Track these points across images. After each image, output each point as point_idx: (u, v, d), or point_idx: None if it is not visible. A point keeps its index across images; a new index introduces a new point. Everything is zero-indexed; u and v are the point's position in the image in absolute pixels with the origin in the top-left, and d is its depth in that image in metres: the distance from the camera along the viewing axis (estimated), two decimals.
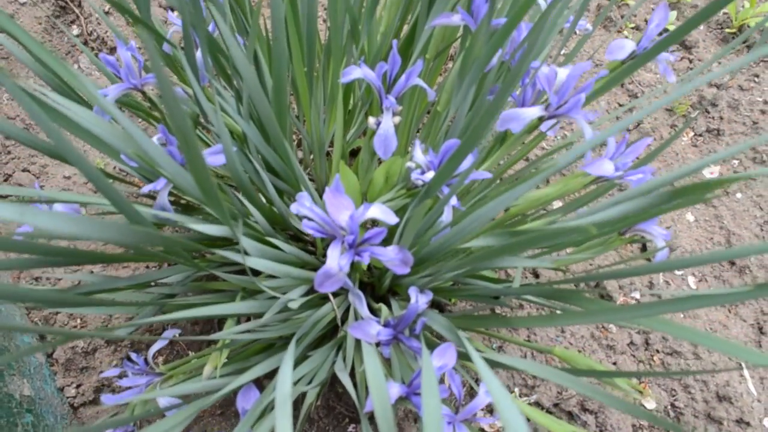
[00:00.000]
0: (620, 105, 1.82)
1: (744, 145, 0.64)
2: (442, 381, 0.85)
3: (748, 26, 1.93)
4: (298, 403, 1.26)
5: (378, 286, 1.19)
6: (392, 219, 0.74)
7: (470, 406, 0.79)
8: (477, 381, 1.32)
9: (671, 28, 1.93)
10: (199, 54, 0.91)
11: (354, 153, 1.65)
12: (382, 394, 0.71)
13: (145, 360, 1.04)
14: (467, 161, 0.80)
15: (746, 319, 1.49)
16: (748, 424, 1.34)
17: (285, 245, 1.00)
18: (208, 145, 1.27)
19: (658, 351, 1.43)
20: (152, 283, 1.14)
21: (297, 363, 1.01)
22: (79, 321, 1.44)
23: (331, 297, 1.02)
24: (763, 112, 1.77)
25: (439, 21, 0.88)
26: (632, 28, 2.01)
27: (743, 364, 1.42)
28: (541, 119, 0.84)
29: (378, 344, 0.86)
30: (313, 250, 1.25)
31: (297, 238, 1.26)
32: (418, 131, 1.63)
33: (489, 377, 0.59)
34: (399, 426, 1.32)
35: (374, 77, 0.88)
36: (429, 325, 0.92)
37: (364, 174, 1.08)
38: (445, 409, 0.79)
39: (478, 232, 0.79)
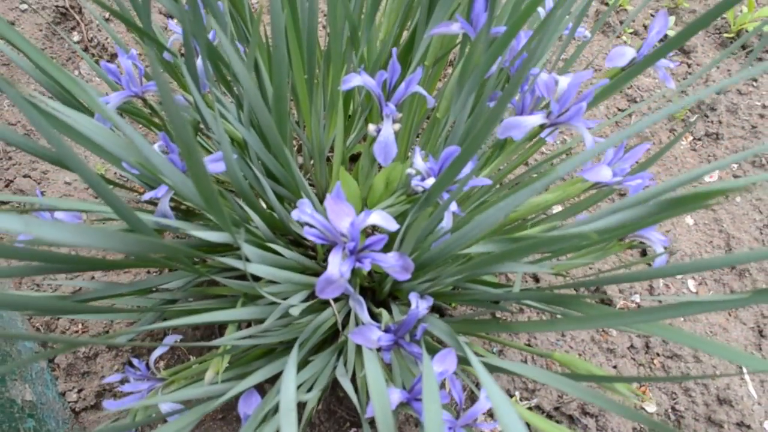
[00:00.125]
0: (620, 110, 1.83)
1: (747, 153, 0.64)
2: (443, 386, 0.85)
3: (746, 31, 1.94)
4: (299, 407, 1.27)
5: (379, 291, 1.19)
6: (393, 226, 0.75)
7: (471, 411, 0.79)
8: (478, 386, 1.32)
9: (670, 33, 1.93)
10: (199, 62, 0.91)
11: (354, 158, 1.65)
12: (383, 399, 0.72)
13: (147, 365, 1.05)
14: (467, 168, 0.80)
15: (746, 322, 1.49)
16: (748, 427, 1.34)
17: (286, 251, 1.01)
18: (209, 151, 1.27)
19: (658, 354, 1.44)
20: (153, 289, 1.14)
21: (298, 368, 1.02)
22: (80, 326, 1.45)
23: (332, 302, 1.03)
24: (761, 116, 1.77)
25: (438, 30, 0.88)
26: (631, 33, 2.01)
27: (744, 368, 1.43)
28: (542, 127, 0.85)
29: (379, 349, 0.86)
30: (313, 255, 1.26)
31: (297, 243, 1.27)
32: (418, 136, 1.63)
33: (488, 382, 0.60)
34: (400, 430, 1.32)
35: (374, 85, 0.89)
36: (429, 330, 0.92)
37: (365, 180, 1.09)
38: (446, 415, 0.79)
39: (479, 237, 0.80)
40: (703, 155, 1.74)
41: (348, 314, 1.15)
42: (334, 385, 1.33)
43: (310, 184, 1.55)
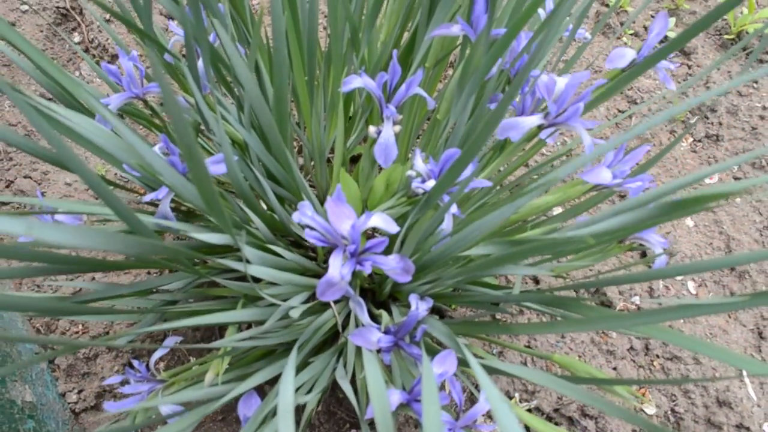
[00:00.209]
0: (620, 111, 1.83)
1: (748, 156, 0.64)
2: (442, 388, 0.85)
3: (747, 32, 1.94)
4: (299, 409, 1.27)
5: (379, 292, 1.19)
6: (393, 228, 0.75)
7: (470, 413, 0.79)
8: (478, 387, 1.32)
9: (670, 34, 1.94)
10: (200, 63, 0.91)
11: (354, 159, 1.65)
12: (382, 401, 0.72)
13: (147, 366, 1.05)
14: (468, 170, 0.80)
15: (746, 324, 1.49)
16: (748, 429, 1.34)
17: (286, 252, 1.01)
18: (210, 152, 1.27)
19: (658, 356, 1.44)
20: (154, 290, 1.14)
21: (298, 369, 1.02)
22: (81, 327, 1.45)
23: (332, 303, 1.03)
24: (761, 117, 1.77)
25: (438, 32, 0.89)
26: (631, 34, 2.01)
27: (743, 371, 1.43)
28: (540, 127, 0.85)
29: (379, 351, 0.86)
30: (313, 256, 1.26)
31: (297, 244, 1.27)
32: (418, 137, 1.63)
33: (487, 384, 0.60)
34: (400, 431, 1.32)
35: (375, 87, 0.89)
36: (429, 331, 0.92)
37: (365, 181, 1.09)
38: (445, 416, 0.80)
39: (479, 240, 0.80)
40: (703, 157, 1.74)
41: (348, 315, 1.15)
42: (334, 386, 1.33)
43: (311, 185, 1.55)
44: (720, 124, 1.78)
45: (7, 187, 1.63)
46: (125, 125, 0.93)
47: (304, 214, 0.76)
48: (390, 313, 1.11)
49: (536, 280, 1.53)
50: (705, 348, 0.66)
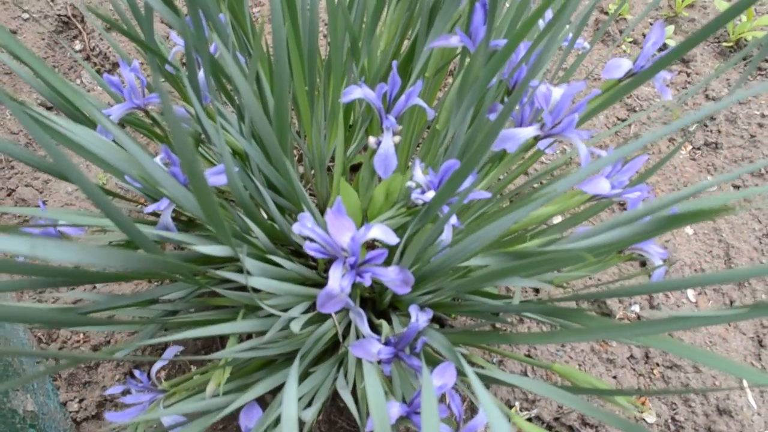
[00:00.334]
0: (619, 119, 1.83)
1: (751, 167, 0.64)
2: (443, 399, 0.85)
3: (745, 40, 1.95)
4: (300, 420, 1.27)
5: (379, 302, 1.20)
6: (393, 239, 0.75)
7: (470, 425, 0.79)
8: None
9: (669, 42, 1.94)
10: (201, 74, 0.92)
11: (355, 168, 1.66)
12: (382, 413, 0.72)
13: (148, 375, 1.05)
14: (467, 181, 0.81)
15: (746, 332, 1.49)
16: None
17: (286, 262, 1.01)
18: (210, 161, 1.28)
19: (658, 364, 1.44)
20: (154, 300, 1.15)
21: (299, 380, 1.02)
22: (81, 336, 1.45)
23: (332, 314, 1.03)
24: (760, 125, 1.78)
25: (437, 43, 0.89)
26: (630, 42, 2.02)
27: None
28: (536, 138, 0.85)
29: (379, 362, 0.86)
30: (314, 264, 1.26)
31: (298, 253, 1.27)
32: (418, 146, 1.64)
33: (485, 398, 0.60)
34: None
35: (374, 97, 0.89)
36: (429, 343, 0.92)
37: (365, 191, 1.09)
38: (445, 429, 0.80)
39: (478, 251, 0.80)
40: (702, 164, 1.74)
41: (348, 325, 1.15)
42: (335, 394, 1.33)
43: (311, 194, 1.55)
44: (719, 131, 1.78)
45: (9, 195, 1.63)
46: (127, 135, 0.94)
47: (304, 226, 0.76)
48: (390, 322, 1.11)
49: (536, 290, 1.53)
50: (705, 358, 0.66)
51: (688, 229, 1.64)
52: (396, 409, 0.79)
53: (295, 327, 0.85)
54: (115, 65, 1.88)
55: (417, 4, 1.17)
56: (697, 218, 0.54)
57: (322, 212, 1.40)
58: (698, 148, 1.78)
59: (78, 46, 1.91)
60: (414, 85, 0.89)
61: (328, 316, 1.08)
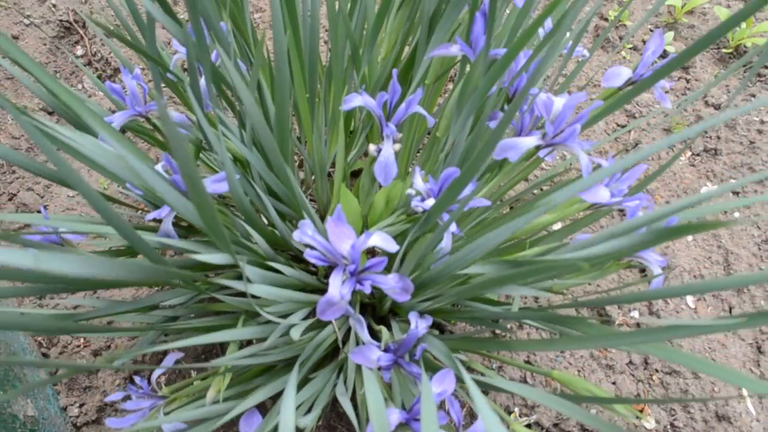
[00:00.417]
0: (618, 125, 1.84)
1: (754, 177, 0.65)
2: (442, 406, 0.86)
3: (745, 46, 1.95)
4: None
5: (379, 307, 1.20)
6: (393, 247, 0.76)
7: None
8: None
9: (669, 48, 1.95)
10: (202, 81, 0.92)
11: (355, 173, 1.66)
12: (381, 420, 0.72)
13: (148, 380, 1.05)
14: (467, 189, 0.81)
15: (745, 338, 1.49)
16: None
17: (287, 269, 1.01)
18: (211, 167, 1.28)
19: (657, 370, 1.44)
20: (155, 306, 1.15)
21: (299, 386, 1.02)
22: (82, 340, 1.45)
23: (332, 320, 1.03)
24: (759, 131, 1.78)
25: (437, 52, 0.90)
26: (630, 48, 2.03)
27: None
28: (537, 147, 0.86)
29: (379, 368, 0.87)
30: (314, 270, 1.27)
31: (298, 258, 1.28)
32: (418, 152, 1.64)
33: (482, 406, 0.60)
34: None
35: (375, 105, 0.90)
36: (428, 349, 0.93)
37: (365, 198, 1.10)
38: None
39: (478, 259, 0.81)
40: (702, 171, 1.75)
41: (348, 330, 1.16)
42: (335, 400, 1.33)
43: (311, 200, 1.56)
44: (718, 138, 1.79)
45: (10, 200, 1.64)
46: (128, 142, 0.94)
47: (305, 234, 0.76)
48: (390, 328, 1.11)
49: (535, 296, 1.53)
50: (704, 366, 0.66)
51: (688, 236, 1.64)
52: (395, 416, 0.79)
53: (295, 335, 0.86)
54: (117, 70, 1.89)
55: (417, 11, 1.17)
56: (697, 230, 0.55)
57: (323, 218, 1.40)
58: (697, 155, 1.79)
59: (80, 51, 1.92)
60: (414, 93, 0.90)
61: (328, 323, 1.08)
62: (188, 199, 0.78)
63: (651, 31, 2.08)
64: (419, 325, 0.88)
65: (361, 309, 1.22)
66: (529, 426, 1.36)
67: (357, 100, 0.90)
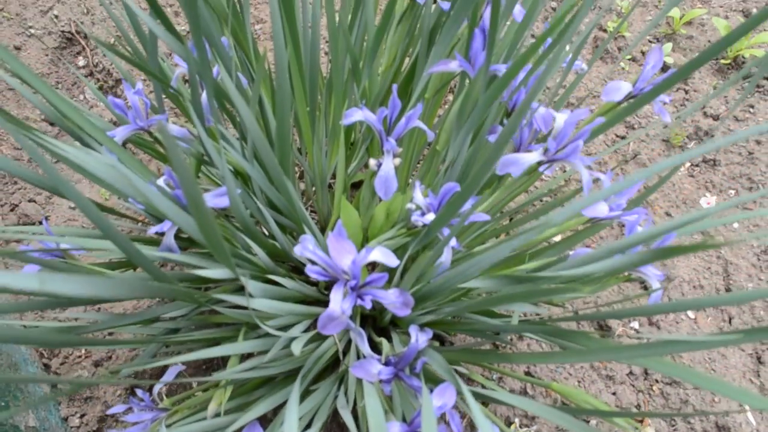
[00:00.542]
0: (618, 136, 1.85)
1: (759, 194, 0.65)
2: (443, 418, 0.86)
3: (743, 57, 1.96)
4: None
5: (380, 319, 1.20)
6: (393, 262, 0.76)
7: None
8: None
9: (668, 59, 1.96)
10: (204, 97, 0.93)
11: (355, 185, 1.67)
12: None
13: (149, 391, 1.06)
14: (467, 204, 0.82)
15: (745, 349, 1.50)
16: None
17: (287, 281, 1.02)
18: (213, 179, 1.29)
19: (657, 381, 1.44)
20: (156, 318, 1.15)
21: (300, 399, 1.02)
22: (83, 351, 1.46)
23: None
24: (758, 142, 1.79)
25: (437, 68, 0.90)
26: (629, 59, 2.04)
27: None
28: (539, 163, 0.86)
29: (380, 381, 0.87)
30: (314, 281, 1.27)
31: (298, 269, 1.28)
32: (418, 164, 1.65)
33: (481, 421, 0.61)
34: None
35: (375, 120, 0.90)
36: (428, 363, 0.93)
37: (366, 211, 1.10)
38: None
39: (478, 274, 0.81)
40: (701, 181, 1.75)
41: (349, 342, 1.16)
42: (335, 411, 1.33)
43: (312, 211, 1.56)
44: (717, 149, 1.80)
45: (12, 210, 1.64)
46: (130, 156, 0.95)
47: (306, 249, 0.77)
48: (390, 340, 1.11)
49: (535, 304, 1.53)
50: (705, 381, 0.67)
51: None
52: (396, 429, 0.79)
53: (296, 349, 0.86)
54: (118, 81, 1.90)
55: (417, 26, 1.18)
56: (697, 249, 0.55)
57: (323, 229, 1.41)
58: (696, 165, 1.79)
59: (81, 62, 1.93)
60: (414, 109, 0.90)
61: (328, 335, 1.09)
62: (189, 214, 0.79)
63: (650, 42, 2.10)
64: (419, 338, 0.88)
65: (361, 320, 1.23)
66: None
67: (357, 114, 0.91)
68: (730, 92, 1.94)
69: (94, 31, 1.97)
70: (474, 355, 1.05)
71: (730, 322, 1.52)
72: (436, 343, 1.31)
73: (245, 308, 0.99)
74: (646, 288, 1.57)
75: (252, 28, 2.03)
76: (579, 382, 1.43)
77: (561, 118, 0.85)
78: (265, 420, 1.29)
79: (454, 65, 0.89)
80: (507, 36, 1.06)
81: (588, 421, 1.38)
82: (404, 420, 1.03)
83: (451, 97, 1.89)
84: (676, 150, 1.80)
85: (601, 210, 0.86)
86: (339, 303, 0.74)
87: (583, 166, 0.83)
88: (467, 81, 0.96)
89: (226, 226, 0.98)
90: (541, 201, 1.68)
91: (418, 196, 0.89)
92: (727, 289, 1.57)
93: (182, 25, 2.03)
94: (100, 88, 1.90)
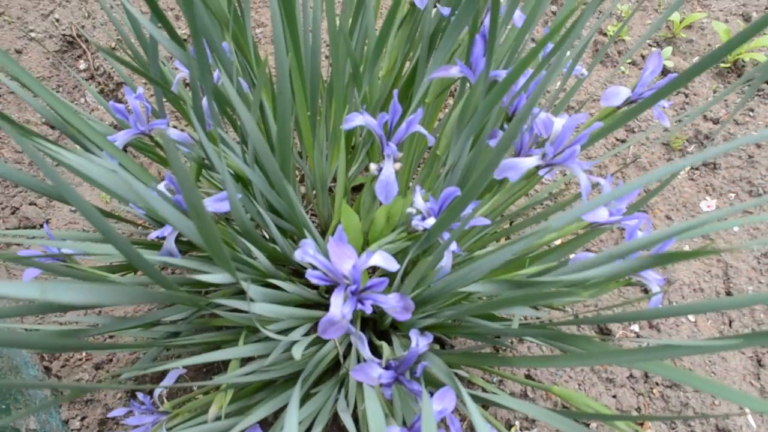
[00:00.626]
0: (618, 140, 1.85)
1: (762, 200, 0.66)
2: (443, 421, 0.86)
3: (743, 61, 1.97)
4: None
5: (380, 322, 1.21)
6: (393, 266, 0.76)
7: None
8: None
9: (668, 63, 1.96)
10: (204, 102, 0.93)
11: (356, 188, 1.67)
12: None
13: (150, 394, 1.06)
14: (468, 208, 0.82)
15: (745, 351, 1.50)
16: None
17: (288, 285, 1.02)
18: (214, 184, 1.29)
19: (657, 384, 1.44)
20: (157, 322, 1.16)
21: (300, 402, 1.03)
22: (84, 354, 1.46)
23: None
24: (758, 145, 1.79)
25: (438, 74, 0.91)
26: (629, 63, 2.04)
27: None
28: (537, 167, 0.87)
29: (380, 385, 0.87)
30: (315, 284, 1.27)
31: (298, 273, 1.28)
32: (419, 167, 1.65)
33: (480, 423, 0.61)
34: None
35: (376, 125, 0.91)
36: (428, 367, 0.93)
37: (366, 214, 1.11)
38: None
39: (478, 278, 0.81)
40: (701, 185, 1.76)
41: (349, 345, 1.16)
42: (336, 414, 1.33)
43: (313, 214, 1.57)
44: (717, 155, 1.80)
45: (13, 213, 1.64)
46: (130, 160, 0.95)
47: (306, 253, 0.77)
48: (391, 343, 1.12)
49: (535, 308, 1.54)
50: (705, 385, 0.67)
51: (687, 248, 1.65)
52: None
53: (297, 353, 0.86)
54: (119, 84, 1.90)
55: (418, 31, 1.19)
56: (697, 255, 0.55)
57: (324, 233, 1.41)
58: (697, 169, 1.80)
59: (82, 65, 1.93)
60: (415, 114, 0.91)
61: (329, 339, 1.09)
62: (190, 219, 0.79)
63: (650, 45, 2.10)
64: (420, 342, 0.88)
65: (362, 323, 1.23)
66: None
67: (358, 119, 0.91)
68: (730, 96, 1.94)
69: (95, 35, 1.97)
70: (474, 359, 1.06)
71: (730, 325, 1.52)
72: (437, 346, 1.31)
73: (246, 312, 0.99)
74: (646, 291, 1.57)
75: (252, 32, 2.04)
76: (579, 384, 1.43)
77: (559, 122, 0.85)
78: (265, 423, 1.29)
79: (455, 71, 0.90)
80: (507, 41, 1.07)
81: (588, 425, 1.38)
82: (404, 424, 1.03)
83: (451, 101, 1.90)
84: (676, 153, 1.80)
85: (601, 215, 0.86)
86: (339, 308, 0.74)
87: (581, 170, 0.83)
88: (468, 85, 0.96)
89: (226, 229, 0.99)
90: (542, 204, 1.69)
91: (419, 200, 0.90)
92: (728, 293, 1.57)
93: (183, 29, 2.04)
94: (101, 91, 1.90)
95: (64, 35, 1.94)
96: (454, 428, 0.83)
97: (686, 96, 1.92)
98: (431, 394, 0.79)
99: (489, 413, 1.32)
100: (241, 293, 1.16)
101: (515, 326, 0.98)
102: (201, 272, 0.86)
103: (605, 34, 2.11)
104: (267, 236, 1.21)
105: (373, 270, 1.33)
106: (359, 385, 1.09)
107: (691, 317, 1.54)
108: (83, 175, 0.84)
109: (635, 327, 1.53)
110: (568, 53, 1.06)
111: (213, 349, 0.96)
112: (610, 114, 1.01)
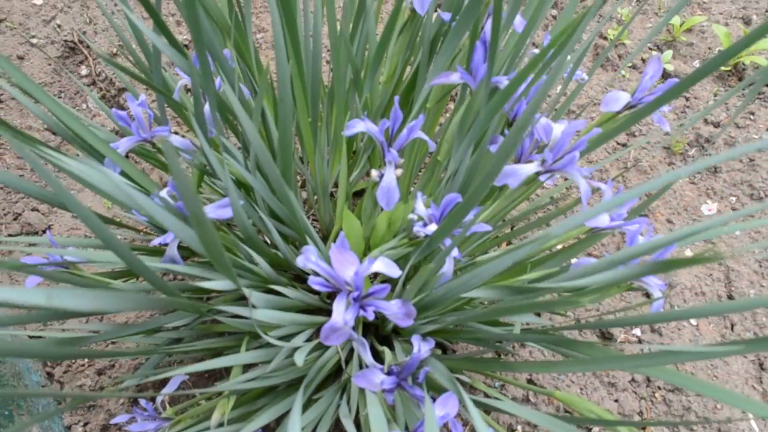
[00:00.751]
0: (619, 144, 1.85)
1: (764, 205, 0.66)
2: (446, 427, 0.86)
3: (743, 64, 1.97)
4: None
5: (382, 327, 1.21)
6: (395, 272, 0.77)
7: None
8: None
9: (668, 66, 1.96)
10: (207, 108, 0.93)
11: (357, 193, 1.67)
12: None
13: (152, 400, 1.06)
14: (469, 215, 0.82)
15: (747, 355, 1.50)
16: None
17: (290, 291, 1.02)
18: (216, 190, 1.29)
19: (659, 388, 1.44)
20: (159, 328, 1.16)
21: (303, 408, 1.03)
22: (86, 360, 1.46)
23: None
24: (759, 149, 1.79)
25: (438, 80, 0.91)
26: (630, 67, 2.04)
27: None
28: (537, 173, 0.87)
29: (382, 390, 0.87)
30: (317, 290, 1.27)
31: (300, 278, 1.28)
32: (420, 172, 1.65)
33: (482, 429, 0.61)
34: None
35: (377, 131, 0.91)
36: (431, 373, 0.93)
37: (368, 220, 1.11)
38: None
39: (480, 284, 0.81)
40: (702, 188, 1.76)
41: (351, 350, 1.16)
42: (338, 420, 1.33)
43: (314, 219, 1.57)
44: (719, 162, 1.80)
45: (15, 219, 1.65)
46: (132, 167, 0.95)
47: (309, 260, 0.77)
48: (392, 348, 1.12)
49: (538, 314, 1.54)
50: (707, 389, 0.67)
51: (688, 252, 1.65)
52: None
53: (299, 360, 0.86)
54: (121, 90, 1.90)
55: (419, 35, 1.19)
56: (699, 262, 0.55)
57: (325, 238, 1.42)
58: (698, 172, 1.80)
59: (84, 71, 1.94)
60: (416, 120, 0.91)
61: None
62: (192, 227, 0.79)
63: (650, 49, 2.10)
64: (422, 348, 0.88)
65: (364, 329, 1.23)
66: None
67: (360, 126, 0.92)
68: (730, 99, 1.94)
69: (97, 41, 1.98)
70: (476, 364, 1.06)
71: (732, 329, 1.52)
72: (438, 351, 1.31)
73: (248, 318, 0.99)
74: (648, 296, 1.57)
75: (253, 38, 2.04)
76: (581, 389, 1.43)
77: (558, 128, 0.85)
78: (268, 429, 1.29)
79: (455, 77, 0.90)
80: (507, 46, 1.07)
81: (590, 429, 1.38)
82: (407, 429, 1.03)
83: (452, 106, 1.90)
84: (677, 157, 1.81)
85: (602, 220, 0.86)
86: (342, 314, 0.74)
87: (580, 176, 0.83)
88: (468, 91, 0.97)
89: (228, 236, 0.99)
90: (544, 209, 1.69)
91: (420, 206, 0.90)
92: (729, 296, 1.57)
93: (184, 34, 2.04)
94: (103, 97, 1.91)
95: (65, 41, 1.95)
96: None
97: (687, 99, 1.93)
98: (433, 400, 0.79)
99: (491, 418, 1.32)
100: (243, 299, 1.16)
101: (517, 331, 0.98)
102: (203, 279, 0.86)
103: (606, 38, 2.11)
104: (269, 242, 1.21)
105: (375, 276, 1.33)
106: (361, 390, 1.10)
107: (693, 321, 1.54)
108: (84, 182, 0.84)
109: (637, 331, 1.53)
110: (569, 57, 1.06)
111: (215, 355, 0.96)
112: (610, 119, 1.02)
